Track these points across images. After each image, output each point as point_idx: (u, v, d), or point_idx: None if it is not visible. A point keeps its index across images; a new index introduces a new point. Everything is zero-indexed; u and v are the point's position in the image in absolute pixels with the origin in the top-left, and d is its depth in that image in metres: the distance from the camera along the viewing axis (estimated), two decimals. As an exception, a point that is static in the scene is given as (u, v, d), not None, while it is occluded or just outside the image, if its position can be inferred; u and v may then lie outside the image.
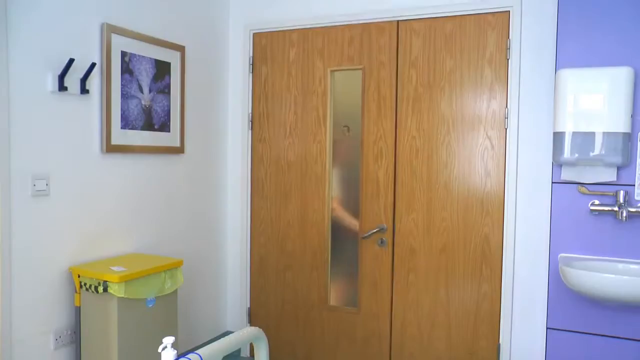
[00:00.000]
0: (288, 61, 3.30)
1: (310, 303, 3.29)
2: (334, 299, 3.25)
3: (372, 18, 3.04)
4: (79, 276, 2.40)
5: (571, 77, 2.43)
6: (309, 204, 3.27)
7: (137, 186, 2.85)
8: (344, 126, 3.17)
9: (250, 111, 3.44)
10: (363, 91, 3.09)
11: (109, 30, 2.59)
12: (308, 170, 3.27)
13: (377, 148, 3.06)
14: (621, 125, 2.36)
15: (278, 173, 3.36)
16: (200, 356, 1.50)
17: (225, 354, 1.62)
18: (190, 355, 1.48)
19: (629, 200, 2.45)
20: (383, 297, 3.08)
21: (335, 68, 3.18)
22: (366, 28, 3.07)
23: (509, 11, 2.77)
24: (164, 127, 2.98)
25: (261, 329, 1.87)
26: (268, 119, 3.38)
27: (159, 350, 1.49)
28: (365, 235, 3.07)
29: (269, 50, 3.36)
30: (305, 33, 3.24)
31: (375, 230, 3.06)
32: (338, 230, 3.23)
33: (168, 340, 1.49)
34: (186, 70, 3.15)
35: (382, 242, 3.06)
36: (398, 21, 2.98)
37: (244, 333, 1.74)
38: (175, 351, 1.50)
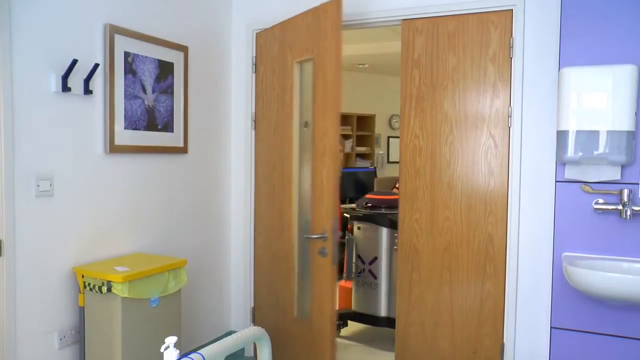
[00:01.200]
0: (273, 58, 3.22)
1: (283, 309, 3.13)
2: (298, 307, 3.02)
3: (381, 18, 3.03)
4: (83, 276, 2.41)
5: (575, 76, 2.42)
6: (284, 205, 3.13)
7: (141, 186, 2.85)
8: (305, 123, 2.93)
9: (253, 111, 3.43)
10: (314, 82, 2.81)
11: (112, 30, 2.59)
12: (284, 169, 3.13)
13: (322, 145, 2.74)
14: (625, 123, 2.35)
15: (267, 173, 3.31)
16: (202, 356, 1.51)
17: (228, 354, 1.63)
18: (192, 355, 1.48)
19: (633, 199, 2.44)
20: (326, 310, 2.75)
21: (298, 59, 2.95)
22: (316, 12, 2.79)
23: (512, 10, 2.75)
24: (168, 127, 2.99)
25: (264, 329, 1.87)
26: (263, 119, 3.34)
27: (162, 350, 1.49)
28: (309, 236, 2.77)
29: (265, 49, 3.31)
30: (283, 26, 3.11)
31: (316, 236, 2.72)
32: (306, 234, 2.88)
33: (170, 340, 1.49)
34: (189, 71, 3.15)
35: (322, 252, 2.70)
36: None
37: (247, 333, 1.74)
38: (178, 351, 1.51)
